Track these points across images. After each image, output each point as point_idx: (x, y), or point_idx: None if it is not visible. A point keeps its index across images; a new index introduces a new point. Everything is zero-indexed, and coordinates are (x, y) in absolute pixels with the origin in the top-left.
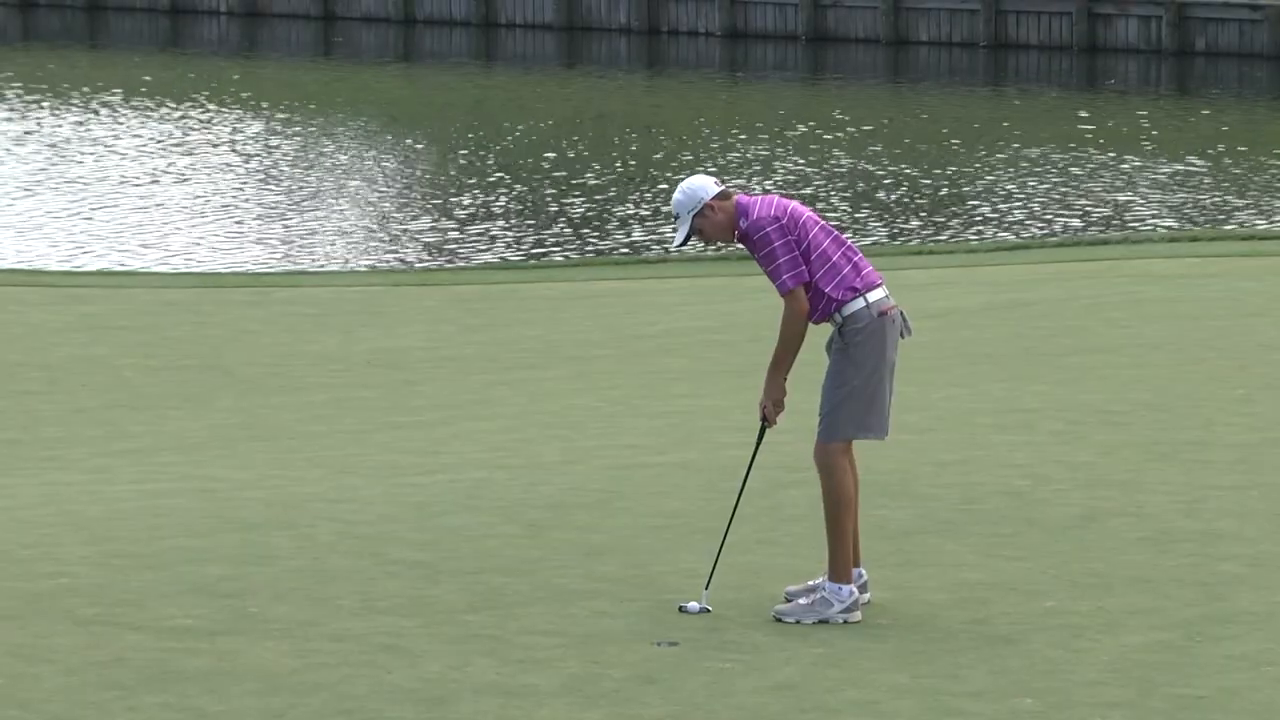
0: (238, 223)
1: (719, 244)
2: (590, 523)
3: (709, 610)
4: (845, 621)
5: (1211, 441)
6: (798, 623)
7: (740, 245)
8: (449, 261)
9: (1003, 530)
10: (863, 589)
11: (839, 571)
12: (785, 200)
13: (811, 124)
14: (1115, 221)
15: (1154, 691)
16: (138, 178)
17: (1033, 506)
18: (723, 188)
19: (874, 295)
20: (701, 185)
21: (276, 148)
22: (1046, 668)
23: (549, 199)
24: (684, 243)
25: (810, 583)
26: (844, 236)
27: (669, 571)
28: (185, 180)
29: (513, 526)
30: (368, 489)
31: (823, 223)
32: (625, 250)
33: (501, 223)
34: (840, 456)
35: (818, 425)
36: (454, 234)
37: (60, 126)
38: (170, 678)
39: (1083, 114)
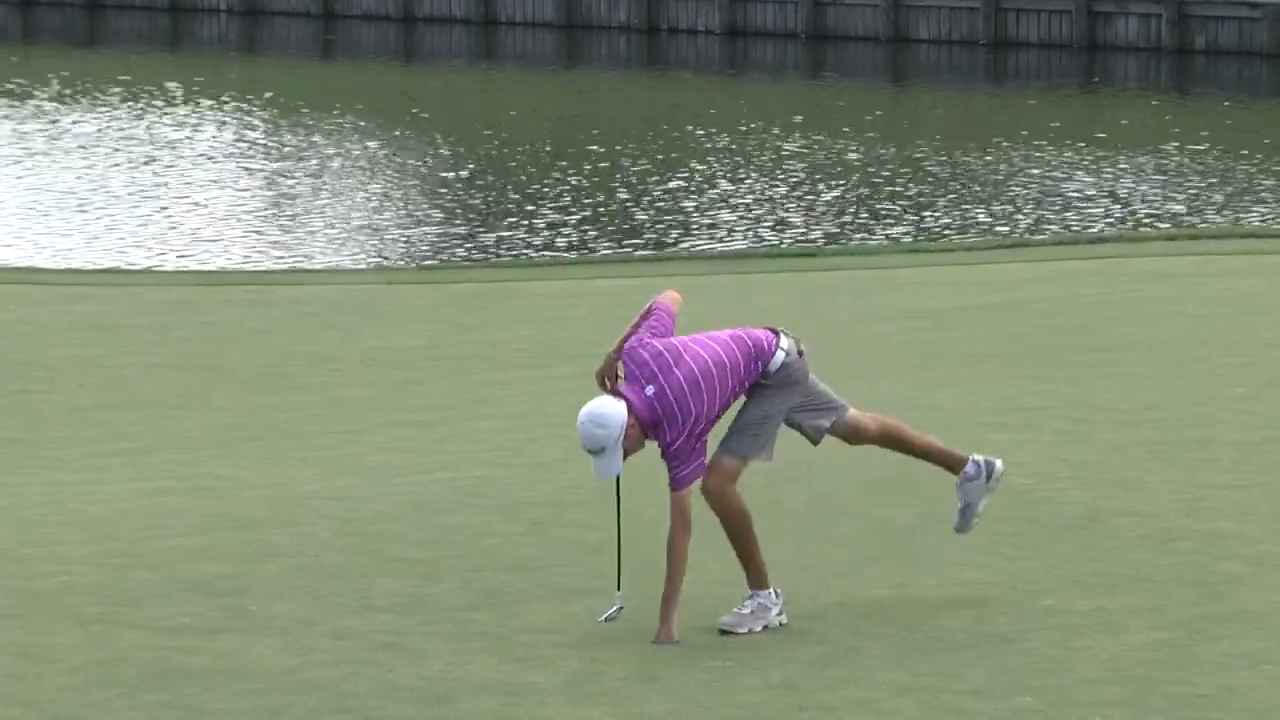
0: (238, 221)
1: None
2: (590, 521)
3: (622, 609)
4: (781, 624)
5: (1213, 440)
6: (749, 632)
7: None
8: (449, 260)
9: (1004, 529)
10: (989, 470)
11: (762, 580)
12: (673, 370)
13: (811, 122)
14: (1116, 220)
15: (1153, 690)
16: (138, 176)
17: (1034, 505)
18: (623, 401)
19: (785, 340)
20: (615, 415)
21: (276, 145)
22: (1046, 666)
23: (549, 197)
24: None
25: (959, 505)
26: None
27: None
28: (185, 179)
29: (513, 524)
30: (367, 487)
31: (701, 339)
32: (626, 249)
33: (501, 221)
34: (734, 480)
35: (725, 445)
36: (453, 232)
37: (59, 125)
38: (170, 676)
39: (1079, 112)
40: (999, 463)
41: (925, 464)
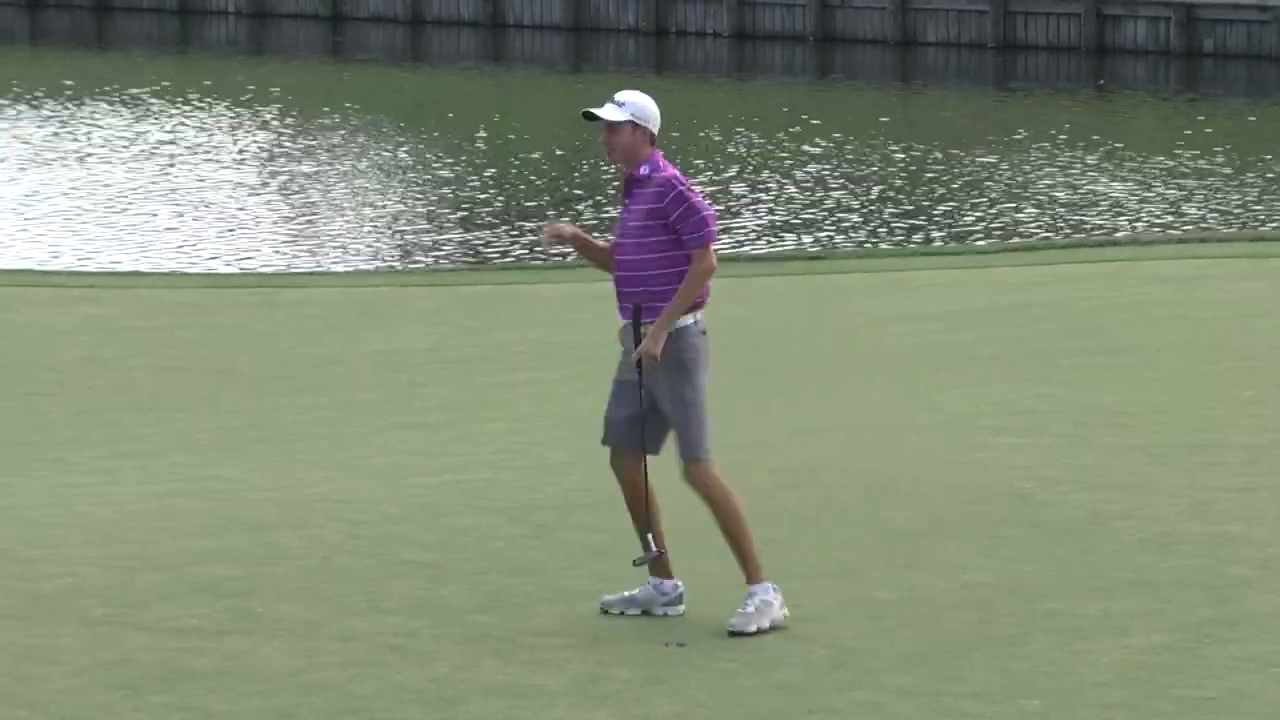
0: (246, 223)
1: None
2: (596, 523)
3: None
4: (785, 616)
5: (1221, 443)
6: (758, 630)
7: (626, 185)
8: (454, 262)
9: (1006, 532)
10: (679, 600)
11: (756, 573)
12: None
13: (820, 125)
14: (1125, 223)
15: (1158, 693)
16: (145, 178)
17: (1037, 508)
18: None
19: (699, 313)
20: (656, 114)
21: (284, 148)
22: (1050, 669)
23: (557, 200)
24: (598, 120)
25: (625, 593)
26: None
27: (674, 571)
28: (192, 181)
29: (519, 527)
30: (375, 490)
31: None
32: None
33: (508, 223)
34: (715, 470)
35: (679, 451)
36: (459, 235)
37: (68, 128)
38: (177, 677)
39: (1088, 115)
40: (679, 607)
41: (928, 468)
